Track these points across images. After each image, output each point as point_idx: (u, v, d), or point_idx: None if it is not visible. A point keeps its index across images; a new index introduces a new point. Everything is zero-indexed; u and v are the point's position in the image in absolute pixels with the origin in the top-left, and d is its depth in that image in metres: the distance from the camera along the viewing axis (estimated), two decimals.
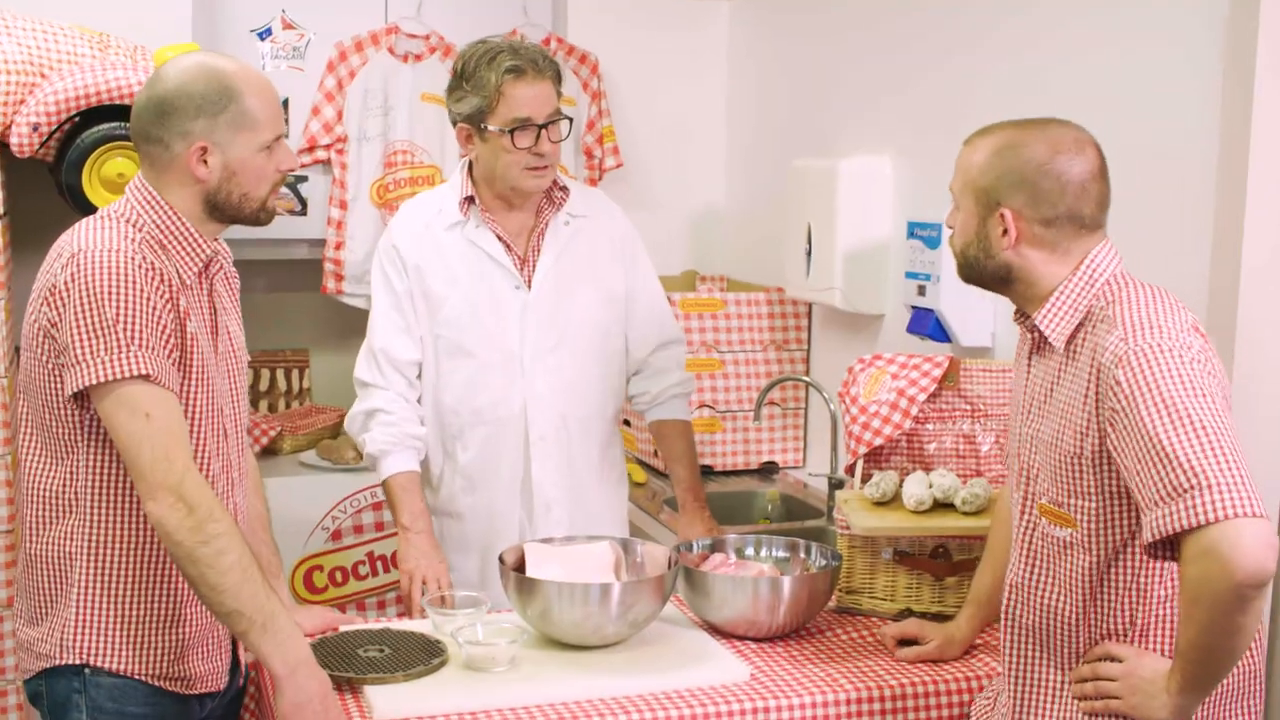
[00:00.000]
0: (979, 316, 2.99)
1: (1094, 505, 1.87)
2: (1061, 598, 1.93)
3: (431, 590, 2.62)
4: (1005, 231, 1.91)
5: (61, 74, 3.10)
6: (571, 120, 2.72)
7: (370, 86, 3.92)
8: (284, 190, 3.91)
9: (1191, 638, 1.68)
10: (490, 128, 2.64)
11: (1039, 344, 1.97)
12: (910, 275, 3.11)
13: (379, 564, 3.77)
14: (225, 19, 3.87)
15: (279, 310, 4.19)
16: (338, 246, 3.92)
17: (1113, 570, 1.88)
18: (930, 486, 2.56)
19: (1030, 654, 2.00)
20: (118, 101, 3.08)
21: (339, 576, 3.75)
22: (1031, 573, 1.98)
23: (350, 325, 4.13)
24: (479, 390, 2.74)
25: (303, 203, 3.95)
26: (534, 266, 2.75)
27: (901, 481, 2.61)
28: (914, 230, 3.10)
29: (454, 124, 2.72)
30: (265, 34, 3.86)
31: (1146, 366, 1.75)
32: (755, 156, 4.20)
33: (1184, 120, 2.41)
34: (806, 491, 3.70)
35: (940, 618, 2.46)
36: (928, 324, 3.05)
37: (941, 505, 2.55)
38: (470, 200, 2.74)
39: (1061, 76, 2.74)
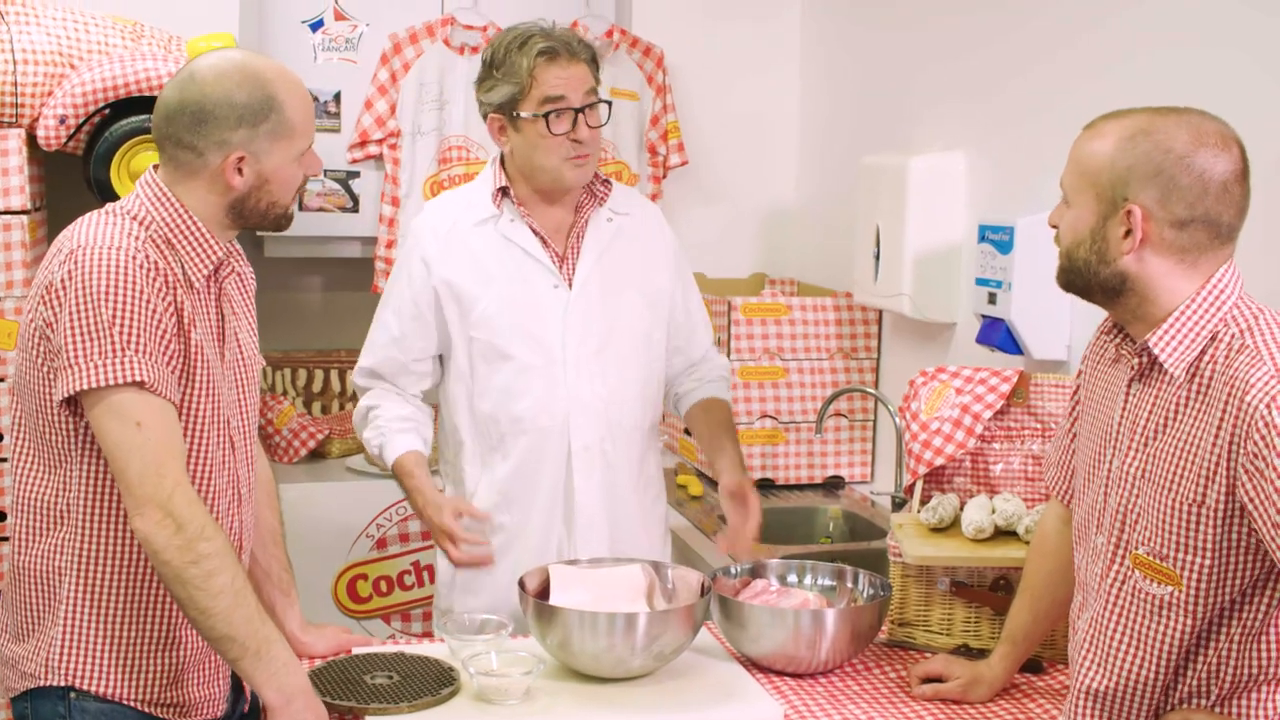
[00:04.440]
0: (1053, 327, 2.76)
1: (1207, 563, 1.64)
2: (1146, 663, 1.72)
3: (462, 509, 2.50)
4: (1128, 233, 1.65)
5: (90, 65, 3.01)
6: (610, 104, 2.56)
7: (425, 80, 3.78)
8: (335, 186, 3.80)
9: None
10: (524, 114, 2.49)
11: (1145, 370, 1.73)
12: (981, 282, 2.90)
13: (425, 574, 3.64)
14: (274, 9, 3.76)
15: (332, 310, 4.07)
16: (389, 245, 3.79)
17: (1210, 635, 1.67)
18: (993, 513, 2.37)
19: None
20: (147, 93, 2.98)
21: (384, 586, 3.63)
22: (1117, 633, 1.75)
23: None
24: (518, 396, 2.56)
25: (354, 199, 3.83)
26: (574, 265, 2.59)
27: (962, 505, 2.43)
28: (985, 234, 2.88)
29: (484, 117, 2.57)
30: (317, 25, 3.74)
31: None
32: (828, 154, 4.01)
33: None
34: (873, 510, 3.49)
35: None
36: (998, 334, 2.84)
37: (1004, 533, 2.36)
38: (504, 192, 2.57)
39: (1164, 73, 2.52)
